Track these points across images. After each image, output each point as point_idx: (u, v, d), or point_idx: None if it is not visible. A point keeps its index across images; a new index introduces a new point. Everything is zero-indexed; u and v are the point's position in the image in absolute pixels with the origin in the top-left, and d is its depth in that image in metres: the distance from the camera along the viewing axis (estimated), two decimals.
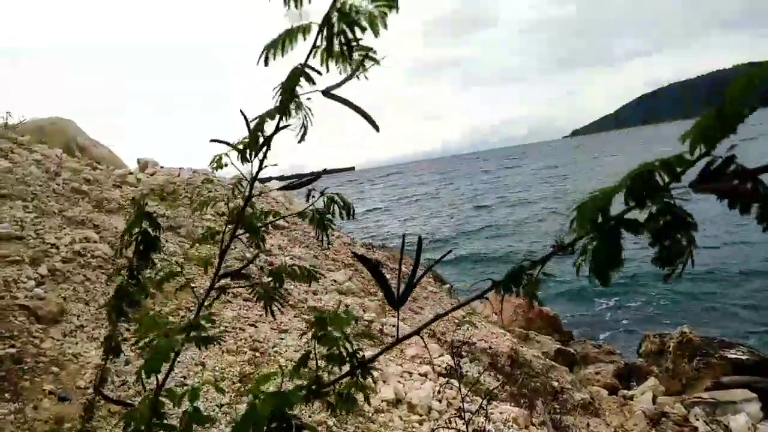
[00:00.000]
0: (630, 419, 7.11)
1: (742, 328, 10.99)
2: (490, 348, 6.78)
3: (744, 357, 8.17)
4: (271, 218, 1.66)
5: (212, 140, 1.66)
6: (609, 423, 6.21)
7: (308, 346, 1.40)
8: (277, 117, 1.15)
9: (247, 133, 1.25)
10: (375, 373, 4.54)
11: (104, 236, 5.46)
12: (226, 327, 4.63)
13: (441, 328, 6.95)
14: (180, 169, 9.50)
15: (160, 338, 1.32)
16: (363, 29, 0.96)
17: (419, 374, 4.85)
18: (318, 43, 1.01)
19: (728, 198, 0.59)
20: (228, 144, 1.43)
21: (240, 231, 1.50)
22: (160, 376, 1.34)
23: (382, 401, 4.19)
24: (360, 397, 1.30)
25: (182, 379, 3.90)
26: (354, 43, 0.99)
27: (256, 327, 4.81)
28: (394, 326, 6.05)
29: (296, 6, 1.00)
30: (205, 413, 1.71)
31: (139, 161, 10.10)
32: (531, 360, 6.75)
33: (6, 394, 3.11)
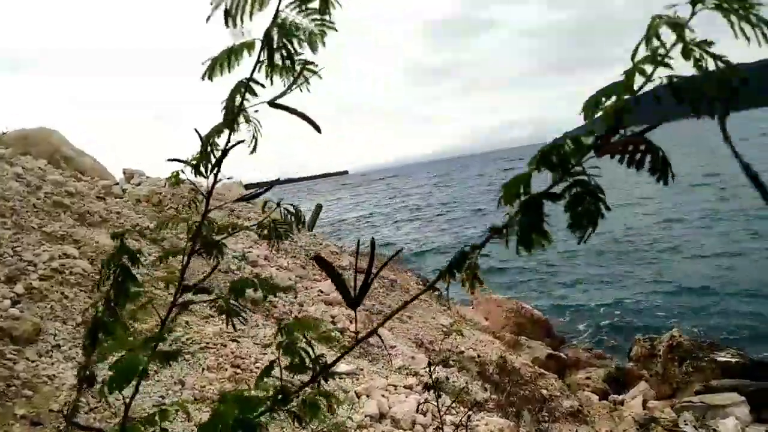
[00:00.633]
0: (620, 425, 7.10)
1: (733, 329, 11.03)
2: (479, 356, 6.75)
3: (733, 360, 8.19)
4: (229, 231, 1.73)
5: (169, 159, 1.72)
6: (598, 430, 6.19)
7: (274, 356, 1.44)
8: (227, 131, 1.19)
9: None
10: (358, 388, 4.51)
11: (84, 251, 5.38)
12: (207, 343, 4.57)
13: (429, 338, 6.92)
14: (166, 178, 9.42)
15: (124, 356, 1.31)
16: (301, 42, 1.03)
17: (404, 387, 4.80)
18: (262, 57, 1.06)
19: (620, 155, 0.69)
20: (182, 161, 1.48)
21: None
22: (130, 393, 1.33)
23: (366, 416, 4.14)
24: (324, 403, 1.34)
25: (160, 398, 3.84)
26: (295, 56, 1.05)
27: (238, 342, 4.75)
28: (380, 336, 5.99)
29: (234, 26, 1.02)
30: None
31: (125, 171, 10.01)
32: (520, 368, 6.73)
33: None
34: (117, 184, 8.93)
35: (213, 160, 1.25)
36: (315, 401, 1.34)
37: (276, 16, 1.02)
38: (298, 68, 1.07)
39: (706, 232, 18.85)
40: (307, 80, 1.10)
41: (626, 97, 0.65)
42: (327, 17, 1.01)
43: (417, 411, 4.31)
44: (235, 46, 1.06)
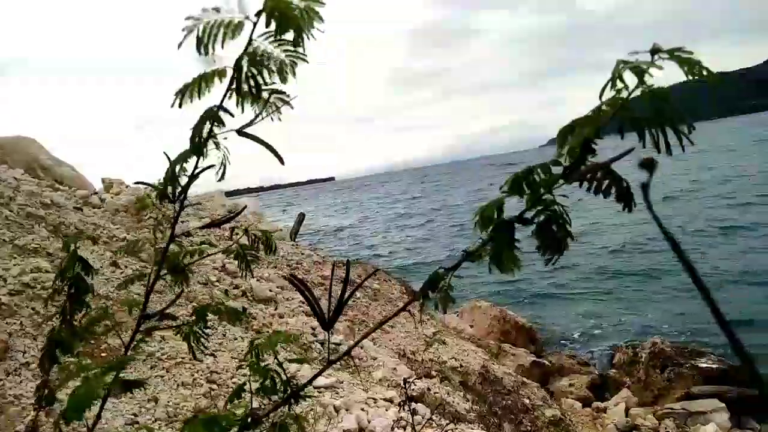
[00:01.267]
0: None
1: (714, 334, 11.14)
2: (461, 366, 6.73)
3: (714, 366, 8.27)
4: (197, 257, 1.71)
5: (136, 182, 1.73)
6: None
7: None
8: (195, 158, 1.19)
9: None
10: (337, 402, 4.45)
11: (57, 265, 5.26)
12: (183, 358, 4.48)
13: (412, 348, 6.88)
14: (146, 187, 9.29)
15: (80, 386, 1.27)
16: (271, 73, 1.03)
17: (384, 399, 4.75)
18: (233, 85, 1.07)
19: (587, 182, 0.73)
20: (149, 184, 1.46)
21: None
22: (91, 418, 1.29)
23: (343, 431, 4.08)
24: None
25: (133, 416, 3.75)
26: (263, 86, 1.06)
27: (215, 356, 4.67)
28: (362, 348, 5.95)
29: (206, 53, 1.03)
30: None
31: (104, 180, 9.85)
32: (502, 377, 6.72)
33: None
34: (95, 193, 8.78)
35: (179, 188, 1.27)
36: (285, 425, 1.32)
37: (249, 44, 1.03)
38: (266, 96, 1.08)
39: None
40: (278, 108, 1.11)
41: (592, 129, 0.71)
42: (300, 49, 1.02)
43: (393, 428, 4.26)
44: (206, 73, 1.07)
